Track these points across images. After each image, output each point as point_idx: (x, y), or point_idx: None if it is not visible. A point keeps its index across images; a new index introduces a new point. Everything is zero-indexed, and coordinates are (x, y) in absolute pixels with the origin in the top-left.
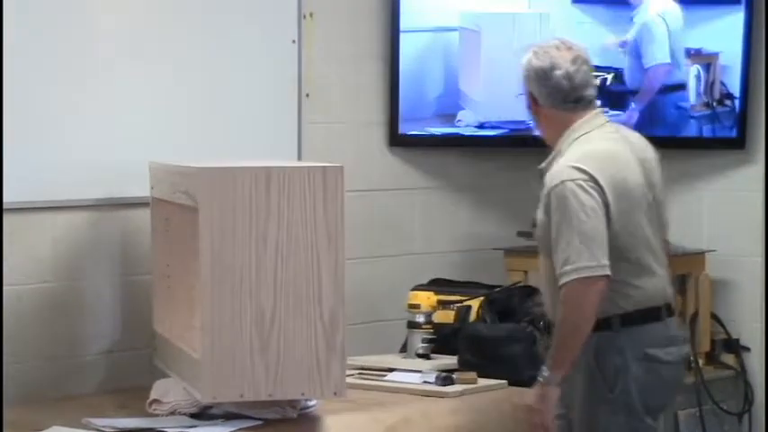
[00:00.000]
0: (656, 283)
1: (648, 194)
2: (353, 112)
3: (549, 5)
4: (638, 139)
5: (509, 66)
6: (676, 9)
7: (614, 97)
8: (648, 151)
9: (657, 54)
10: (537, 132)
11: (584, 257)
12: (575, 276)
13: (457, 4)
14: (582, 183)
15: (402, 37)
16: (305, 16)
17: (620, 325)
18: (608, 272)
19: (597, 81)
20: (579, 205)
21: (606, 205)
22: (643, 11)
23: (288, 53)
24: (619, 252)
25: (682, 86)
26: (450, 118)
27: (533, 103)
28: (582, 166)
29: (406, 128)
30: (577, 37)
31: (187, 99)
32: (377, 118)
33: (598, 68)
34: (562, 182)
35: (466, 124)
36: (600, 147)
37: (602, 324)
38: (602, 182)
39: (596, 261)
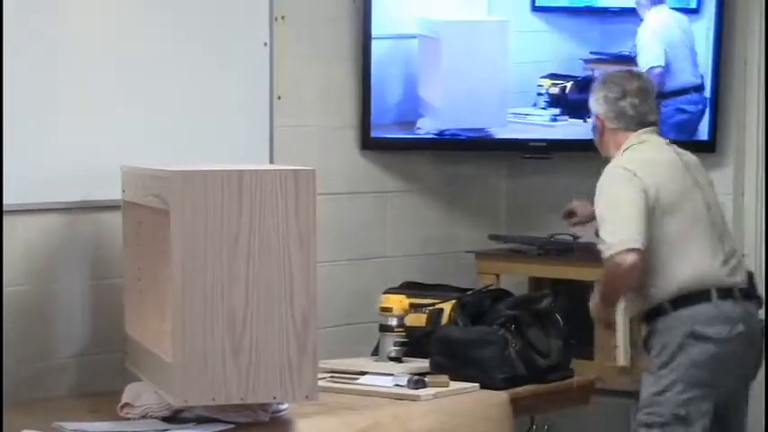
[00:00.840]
0: (698, 270)
1: (696, 195)
2: (325, 115)
3: (509, 13)
4: (686, 153)
5: (469, 73)
6: (677, 21)
7: (573, 105)
8: (699, 165)
9: (648, 58)
10: (597, 146)
11: (616, 235)
12: (608, 254)
13: (416, 12)
14: (623, 174)
15: (384, 43)
16: (276, 19)
17: (672, 308)
18: (636, 245)
19: (659, 108)
20: (617, 193)
21: (646, 195)
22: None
23: (259, 56)
24: (659, 246)
25: (683, 91)
26: (410, 125)
27: (600, 123)
28: (627, 165)
29: (387, 134)
30: (536, 45)
31: (159, 102)
32: (349, 121)
33: (557, 76)
34: (607, 174)
35: (425, 132)
36: (646, 154)
37: (655, 311)
38: (644, 178)
39: (627, 236)
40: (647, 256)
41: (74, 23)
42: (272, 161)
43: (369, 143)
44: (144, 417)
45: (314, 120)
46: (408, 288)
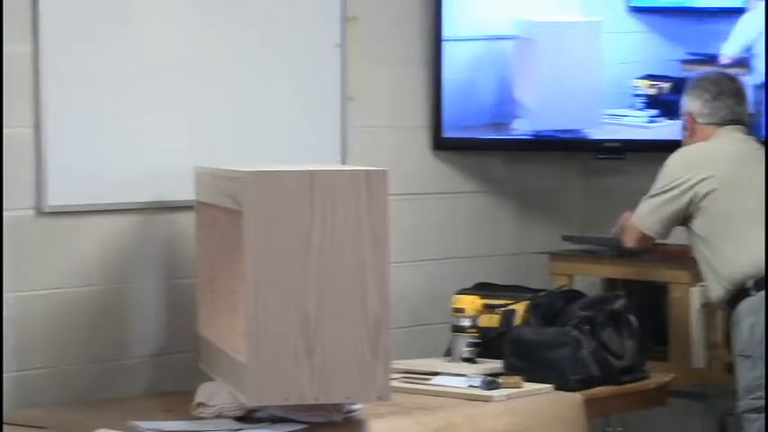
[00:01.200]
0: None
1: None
2: (397, 115)
3: (604, 13)
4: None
5: (563, 74)
6: None
7: (668, 106)
8: None
9: (726, 47)
10: (684, 143)
11: (644, 213)
12: (632, 218)
13: (511, 13)
14: (681, 158)
15: (456, 45)
16: (348, 19)
17: (756, 290)
18: (650, 234)
19: (748, 107)
20: (667, 173)
21: (700, 179)
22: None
23: (331, 56)
24: (731, 224)
25: None
26: (504, 126)
27: (691, 119)
28: (691, 150)
29: (462, 135)
30: (631, 46)
31: (231, 103)
32: (420, 122)
33: (653, 77)
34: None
35: (521, 133)
36: (717, 144)
37: (740, 294)
38: (702, 163)
39: (651, 221)
40: (710, 239)
41: (150, 28)
42: (344, 162)
43: (441, 143)
44: (217, 416)
45: (386, 120)
46: (481, 289)
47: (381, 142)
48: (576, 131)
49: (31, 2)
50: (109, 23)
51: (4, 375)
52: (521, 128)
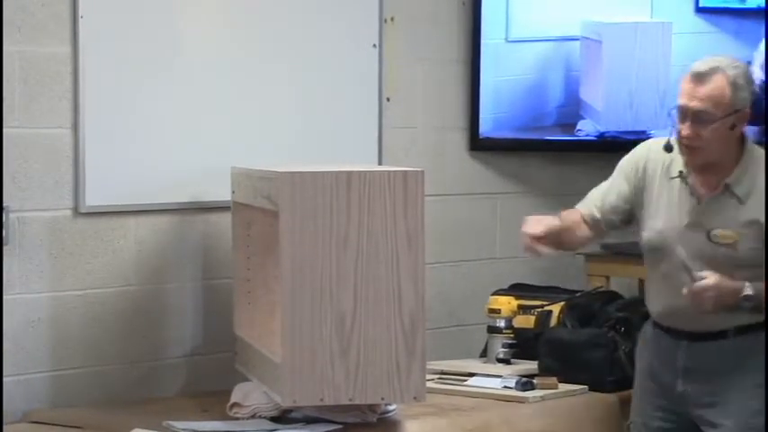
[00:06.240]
0: None
1: None
2: (434, 116)
3: (672, 15)
4: None
5: (630, 75)
6: None
7: None
8: None
9: None
10: None
11: None
12: None
13: (578, 14)
14: None
15: (521, 46)
16: (386, 20)
17: (733, 335)
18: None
19: None
20: None
21: None
22: None
23: (369, 57)
24: None
25: None
26: (570, 127)
27: None
28: None
29: (527, 136)
30: (700, 47)
31: (268, 103)
32: (457, 122)
33: None
34: None
35: (586, 134)
36: None
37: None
38: None
39: None
40: None
41: (188, 29)
42: (380, 162)
43: (477, 144)
44: (253, 416)
45: (423, 121)
46: (517, 290)
47: (418, 143)
48: (642, 132)
49: (71, 3)
50: (147, 25)
51: (41, 375)
52: (586, 129)
